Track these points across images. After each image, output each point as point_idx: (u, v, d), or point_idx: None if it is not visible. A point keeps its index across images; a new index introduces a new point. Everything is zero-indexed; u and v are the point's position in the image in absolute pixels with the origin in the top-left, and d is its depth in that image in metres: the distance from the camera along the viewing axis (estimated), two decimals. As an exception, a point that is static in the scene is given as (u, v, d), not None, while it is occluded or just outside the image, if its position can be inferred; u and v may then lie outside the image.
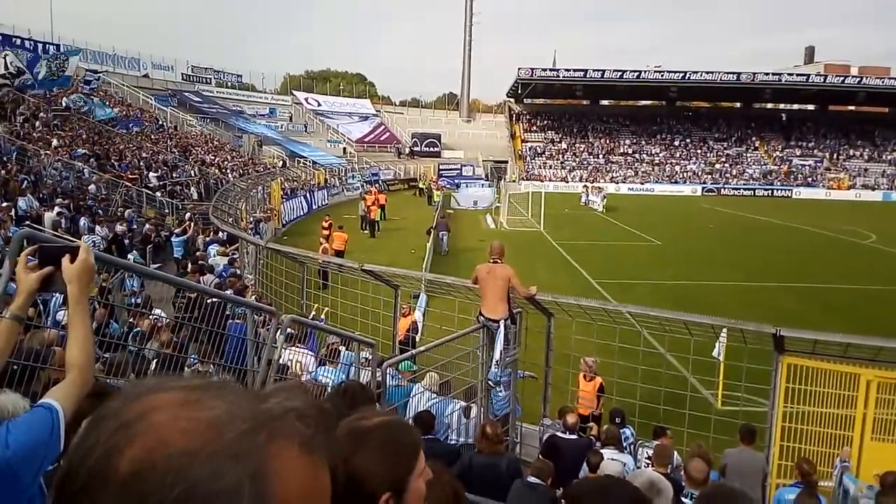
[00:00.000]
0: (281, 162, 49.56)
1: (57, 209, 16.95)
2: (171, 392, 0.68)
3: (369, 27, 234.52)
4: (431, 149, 67.91)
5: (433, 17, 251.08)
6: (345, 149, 63.03)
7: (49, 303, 6.97)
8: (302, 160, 51.86)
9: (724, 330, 8.39)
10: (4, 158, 20.81)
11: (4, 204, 15.24)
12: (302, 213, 36.42)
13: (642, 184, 67.20)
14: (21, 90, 29.23)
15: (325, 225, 24.60)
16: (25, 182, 18.55)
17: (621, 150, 73.28)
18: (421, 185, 53.34)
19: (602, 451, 7.14)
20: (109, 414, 0.66)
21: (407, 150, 67.94)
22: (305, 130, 65.04)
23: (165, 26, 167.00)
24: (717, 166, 70.47)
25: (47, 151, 23.26)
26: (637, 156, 72.42)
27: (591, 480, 2.14)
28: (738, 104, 79.34)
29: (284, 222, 32.20)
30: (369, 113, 74.07)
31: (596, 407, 9.58)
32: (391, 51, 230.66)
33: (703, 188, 66.17)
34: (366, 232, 30.76)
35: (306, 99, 71.25)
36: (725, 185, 66.87)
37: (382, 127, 71.66)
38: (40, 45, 44.86)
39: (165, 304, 11.22)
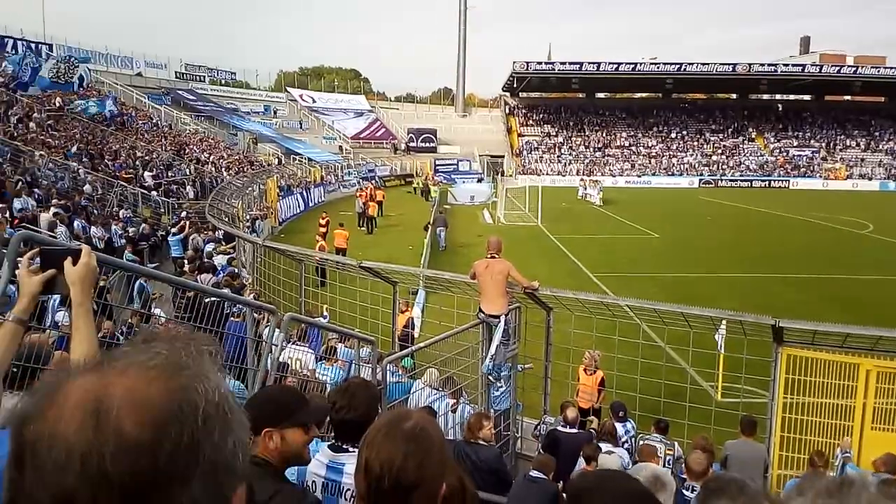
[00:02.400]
0: (276, 159, 49.47)
1: (53, 210, 16.88)
2: (88, 373, 0.71)
3: (363, 22, 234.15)
4: (427, 144, 67.86)
5: (428, 11, 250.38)
6: (340, 146, 62.90)
7: (48, 304, 6.96)
8: (297, 157, 51.76)
9: (724, 322, 8.39)
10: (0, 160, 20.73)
11: (0, 205, 15.14)
12: (299, 211, 36.36)
13: (639, 176, 67.24)
14: (14, 90, 29.04)
15: (322, 222, 24.54)
16: (20, 183, 18.46)
17: (618, 143, 73.26)
18: (414, 185, 51.76)
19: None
20: (52, 416, 0.66)
21: (403, 146, 67.84)
22: (301, 127, 64.89)
23: (158, 24, 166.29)
24: (714, 158, 70.53)
25: (41, 152, 23.16)
26: (634, 148, 72.43)
27: (593, 474, 2.13)
28: (734, 95, 79.40)
29: (281, 220, 32.15)
30: (364, 109, 73.92)
31: (597, 400, 9.61)
32: (386, 46, 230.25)
33: (700, 180, 66.22)
34: (363, 229, 30.73)
35: (301, 96, 71.11)
36: (722, 177, 66.91)
37: (378, 123, 71.54)
38: (33, 45, 44.80)
39: (165, 303, 11.21)
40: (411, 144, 67.94)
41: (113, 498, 0.63)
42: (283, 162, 49.01)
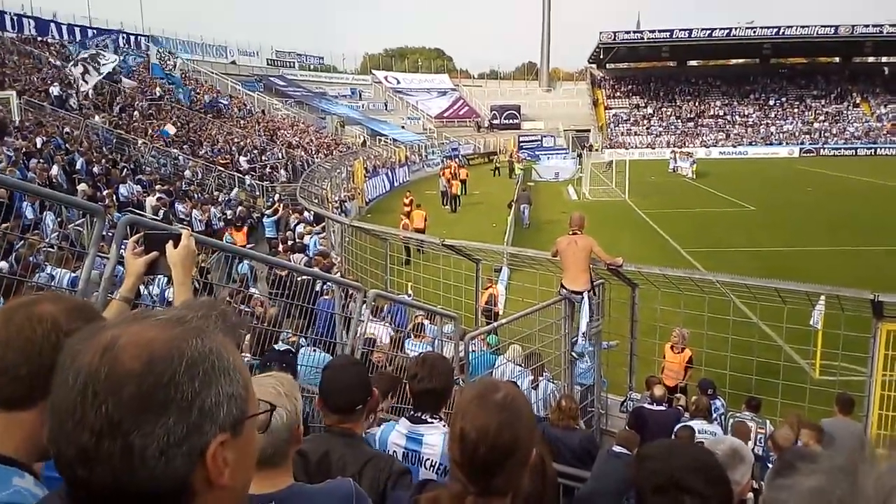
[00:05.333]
0: (362, 140, 50.30)
1: (157, 195, 17.86)
2: (116, 324, 0.87)
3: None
4: (511, 121, 67.18)
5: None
6: (424, 125, 63.27)
7: (153, 284, 7.45)
8: (383, 138, 52.49)
9: (822, 297, 8.04)
10: (105, 148, 22.01)
11: (107, 191, 16.07)
12: (384, 191, 36.92)
13: (734, 147, 64.31)
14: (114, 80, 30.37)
15: (407, 201, 24.90)
16: (125, 169, 19.59)
17: (711, 113, 70.26)
18: (496, 165, 48.76)
19: (690, 422, 7.05)
20: (81, 350, 0.83)
21: (486, 124, 67.49)
22: (385, 109, 65.68)
23: (248, 13, 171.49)
24: (816, 125, 66.52)
25: (144, 140, 24.49)
26: (728, 118, 69.28)
27: (660, 442, 2.17)
28: (836, 59, 74.28)
29: (368, 200, 32.78)
30: (448, 88, 73.97)
31: (683, 379, 9.42)
32: (469, 22, 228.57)
33: (800, 149, 62.68)
34: (447, 207, 30.95)
35: (385, 77, 71.89)
36: (825, 146, 63.06)
37: (461, 101, 71.47)
38: (132, 38, 47.24)
39: (260, 282, 11.77)
40: (494, 122, 67.44)
41: (100, 414, 0.77)
42: (368, 143, 49.79)
